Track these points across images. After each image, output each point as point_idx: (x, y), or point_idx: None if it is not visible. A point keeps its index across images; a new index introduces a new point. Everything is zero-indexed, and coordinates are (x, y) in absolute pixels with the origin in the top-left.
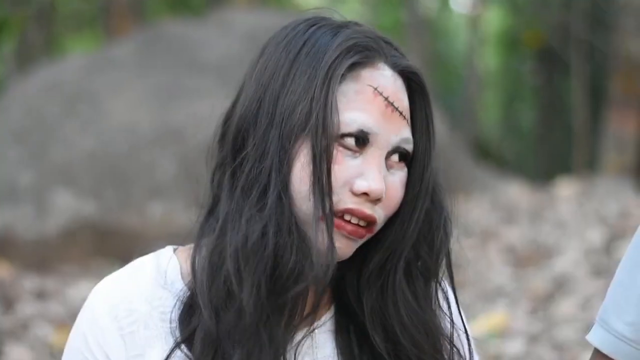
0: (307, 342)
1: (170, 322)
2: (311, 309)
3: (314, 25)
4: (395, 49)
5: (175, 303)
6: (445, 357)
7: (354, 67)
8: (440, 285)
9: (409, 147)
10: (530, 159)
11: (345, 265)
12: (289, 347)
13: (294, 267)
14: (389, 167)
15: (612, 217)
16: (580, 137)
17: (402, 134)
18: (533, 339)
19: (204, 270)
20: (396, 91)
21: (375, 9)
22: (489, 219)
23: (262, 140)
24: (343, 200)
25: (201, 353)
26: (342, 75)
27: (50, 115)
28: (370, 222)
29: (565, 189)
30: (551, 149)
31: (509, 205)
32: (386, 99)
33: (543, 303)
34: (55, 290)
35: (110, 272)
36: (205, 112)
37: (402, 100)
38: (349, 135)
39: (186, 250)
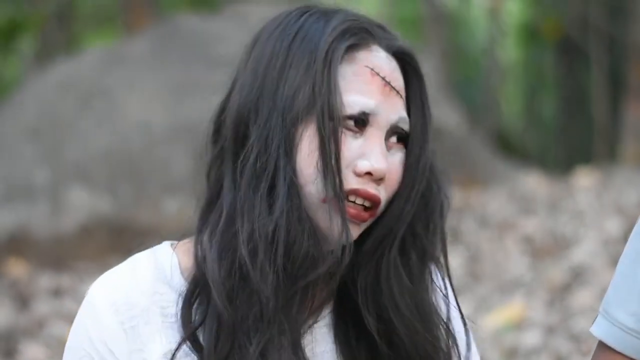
0: (307, 337)
1: (171, 317)
2: (328, 294)
3: (305, 12)
4: (388, 32)
5: (177, 298)
6: (440, 337)
7: (349, 49)
8: (436, 266)
9: (406, 127)
10: (552, 150)
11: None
12: (303, 335)
13: (308, 252)
14: (388, 147)
15: (631, 206)
16: (601, 127)
17: (399, 112)
18: (550, 330)
19: (213, 259)
20: (392, 71)
21: (394, 2)
22: (506, 210)
23: (264, 129)
24: (347, 181)
25: (215, 345)
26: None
27: (65, 112)
28: (374, 202)
29: (584, 179)
30: (573, 139)
31: (526, 196)
32: (383, 78)
33: (560, 294)
34: (70, 287)
35: None
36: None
37: (398, 79)
38: (351, 117)
39: (184, 245)
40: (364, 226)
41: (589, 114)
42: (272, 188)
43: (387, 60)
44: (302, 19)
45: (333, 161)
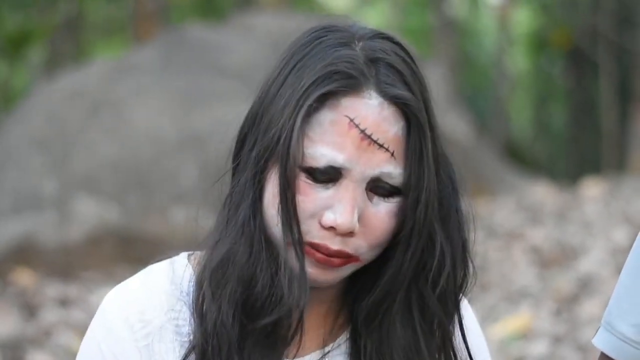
0: None
1: (185, 336)
2: (344, 320)
3: (319, 38)
4: (396, 73)
5: (191, 317)
6: None
7: (334, 94)
8: (446, 329)
9: (393, 181)
10: (560, 159)
11: (358, 289)
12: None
13: (266, 292)
14: (370, 197)
15: (639, 216)
16: (610, 137)
17: (381, 167)
18: (557, 340)
19: (196, 283)
20: (379, 122)
21: (403, 11)
22: (514, 220)
23: (247, 156)
24: (310, 232)
25: None
26: (322, 101)
27: (73, 122)
28: (340, 257)
29: (592, 189)
30: (582, 149)
31: (534, 206)
32: (362, 131)
33: (568, 304)
34: (78, 297)
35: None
36: (228, 117)
37: (387, 131)
38: (317, 170)
39: (200, 257)
40: (347, 269)
41: (598, 124)
42: (235, 217)
43: (379, 109)
44: (311, 45)
45: (290, 208)
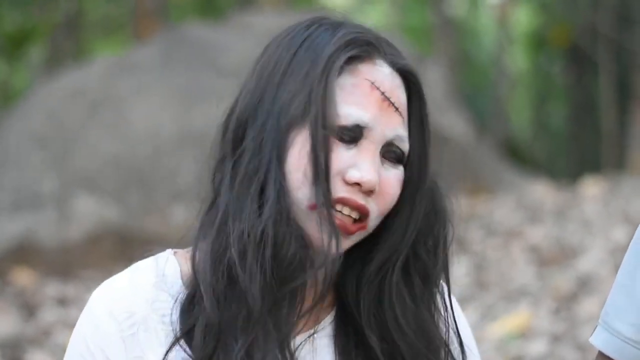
0: (307, 347)
1: (170, 325)
2: (315, 301)
3: (315, 24)
4: (395, 49)
5: (174, 304)
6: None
7: (352, 60)
8: (438, 288)
9: (404, 145)
10: (561, 158)
11: (346, 268)
12: (292, 339)
13: (295, 255)
14: (382, 163)
15: (638, 215)
16: (610, 136)
17: (397, 130)
18: (556, 338)
19: (206, 260)
20: (393, 87)
21: (403, 10)
22: (513, 219)
23: (260, 132)
24: (335, 189)
25: (202, 344)
26: (341, 67)
27: (73, 120)
28: (362, 214)
29: (591, 188)
30: (582, 148)
31: (534, 204)
32: (383, 93)
33: (567, 303)
34: (77, 296)
35: None
36: None
37: (399, 97)
38: (345, 128)
39: (187, 252)
40: (353, 239)
41: (598, 123)
42: (262, 190)
43: (390, 77)
44: (311, 29)
45: (322, 168)
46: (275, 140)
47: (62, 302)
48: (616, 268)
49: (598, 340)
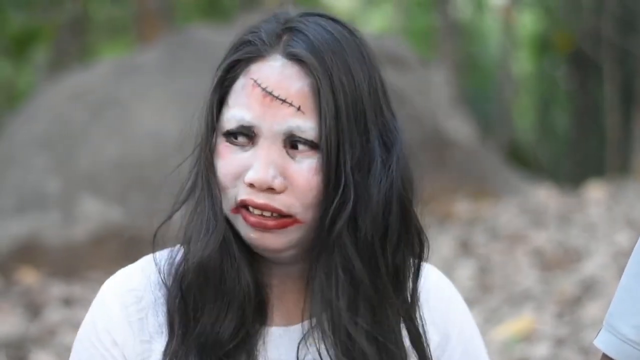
0: (263, 342)
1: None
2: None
3: (259, 20)
4: (305, 37)
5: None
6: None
7: (244, 62)
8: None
9: (306, 135)
10: (565, 163)
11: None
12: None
13: (217, 263)
14: (292, 155)
15: None
16: (613, 140)
17: (287, 122)
18: (560, 342)
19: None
20: (280, 80)
21: (408, 13)
22: (517, 223)
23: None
24: (239, 192)
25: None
26: (232, 74)
27: (78, 122)
28: (273, 211)
29: (595, 192)
30: (585, 153)
31: (538, 208)
32: (264, 89)
33: (570, 306)
34: (82, 296)
35: None
36: None
37: (289, 87)
38: (231, 132)
39: None
40: (288, 233)
41: (601, 127)
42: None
43: (281, 69)
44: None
45: (209, 175)
46: (200, 146)
47: (67, 302)
48: (620, 272)
49: (602, 342)
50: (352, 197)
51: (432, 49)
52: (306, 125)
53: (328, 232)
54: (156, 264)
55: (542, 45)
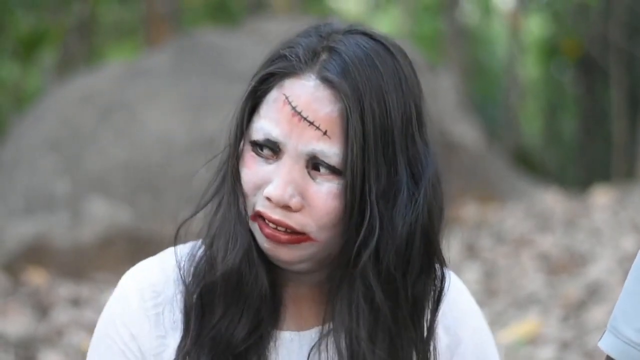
0: (274, 345)
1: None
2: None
3: (301, 32)
4: (341, 61)
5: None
6: None
7: (279, 76)
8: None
9: (330, 160)
10: (571, 167)
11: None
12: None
13: (235, 266)
14: (313, 176)
15: None
16: (620, 145)
17: (312, 145)
18: (565, 346)
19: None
20: (311, 101)
21: (415, 17)
22: (523, 227)
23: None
24: (257, 203)
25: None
26: (266, 85)
27: (85, 124)
28: (286, 228)
29: (601, 197)
30: (592, 158)
31: (544, 213)
32: (294, 108)
33: (575, 310)
34: (90, 297)
35: None
36: None
37: (318, 110)
38: (257, 142)
39: None
40: (301, 249)
41: (608, 132)
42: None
43: (313, 89)
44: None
45: (234, 181)
46: (229, 151)
47: (75, 302)
48: (625, 276)
49: (606, 344)
50: (377, 229)
51: (439, 54)
52: (331, 151)
53: (354, 264)
54: (177, 261)
55: (550, 50)
